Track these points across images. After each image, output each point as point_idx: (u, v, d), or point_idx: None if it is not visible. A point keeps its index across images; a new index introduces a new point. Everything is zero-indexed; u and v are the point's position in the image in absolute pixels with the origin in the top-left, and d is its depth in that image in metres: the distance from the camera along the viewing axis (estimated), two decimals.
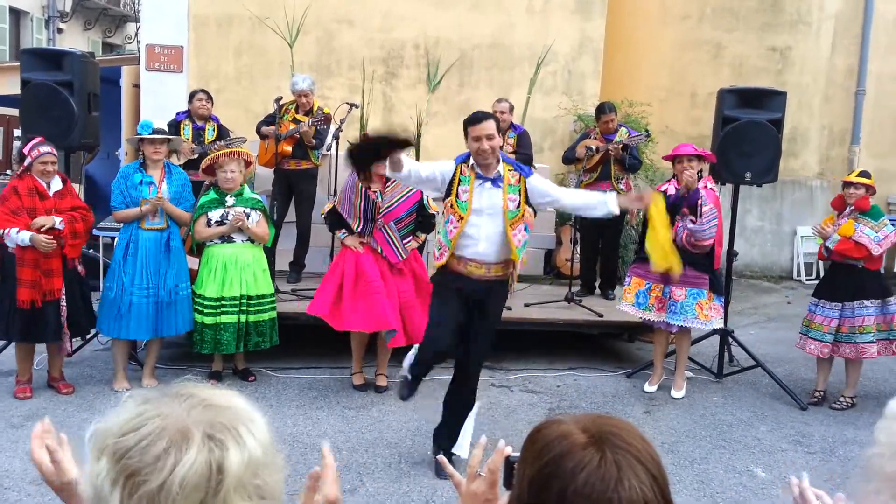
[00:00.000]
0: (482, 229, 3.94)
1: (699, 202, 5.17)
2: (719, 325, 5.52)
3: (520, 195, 3.97)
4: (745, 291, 9.25)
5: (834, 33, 10.34)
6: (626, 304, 5.50)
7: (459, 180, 3.96)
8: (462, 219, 3.93)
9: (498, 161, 3.94)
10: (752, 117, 5.71)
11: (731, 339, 5.95)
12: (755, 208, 10.16)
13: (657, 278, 5.31)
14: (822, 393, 5.44)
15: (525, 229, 4.00)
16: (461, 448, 4.01)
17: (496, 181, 3.95)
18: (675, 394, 5.45)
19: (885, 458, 1.23)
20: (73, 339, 5.57)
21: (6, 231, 4.68)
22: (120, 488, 1.02)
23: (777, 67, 10.01)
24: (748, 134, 5.68)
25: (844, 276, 5.24)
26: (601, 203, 4.05)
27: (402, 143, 3.59)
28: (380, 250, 5.11)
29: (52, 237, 4.75)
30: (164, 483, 1.00)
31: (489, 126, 3.86)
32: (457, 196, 3.94)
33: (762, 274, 10.20)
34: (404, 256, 5.14)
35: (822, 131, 10.64)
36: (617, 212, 4.06)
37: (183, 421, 1.05)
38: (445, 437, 4.13)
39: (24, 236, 4.69)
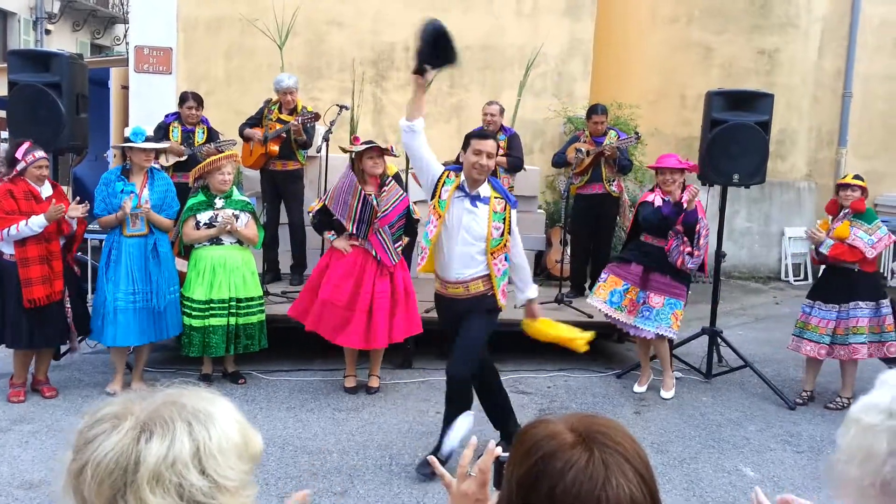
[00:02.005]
0: (453, 247, 3.97)
1: (698, 227, 5.18)
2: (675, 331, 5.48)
3: (504, 224, 4.00)
4: (734, 292, 9.30)
5: (822, 36, 10.43)
6: (598, 300, 5.52)
7: (444, 182, 4.00)
8: (440, 217, 3.96)
9: (485, 180, 4.00)
10: (740, 119, 5.74)
11: (719, 340, 5.98)
12: (743, 209, 10.22)
13: (636, 281, 5.37)
14: (809, 393, 5.48)
15: (505, 259, 4.05)
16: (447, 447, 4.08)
17: (475, 200, 3.97)
18: (665, 394, 5.48)
19: (844, 463, 1.23)
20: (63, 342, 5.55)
21: (10, 229, 4.64)
22: (67, 471, 1.03)
23: (766, 69, 10.07)
24: (736, 136, 5.71)
25: (840, 279, 5.24)
26: (521, 289, 4.21)
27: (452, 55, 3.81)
28: (374, 253, 5.12)
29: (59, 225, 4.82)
30: (85, 464, 1.00)
31: (492, 145, 3.97)
32: (439, 197, 3.99)
33: (750, 275, 10.27)
34: (397, 260, 5.16)
35: (810, 133, 10.72)
36: (518, 305, 4.30)
37: (131, 410, 1.04)
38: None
39: (38, 220, 4.68)
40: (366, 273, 5.12)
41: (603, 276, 5.59)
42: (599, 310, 5.57)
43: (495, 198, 4.02)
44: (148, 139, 5.16)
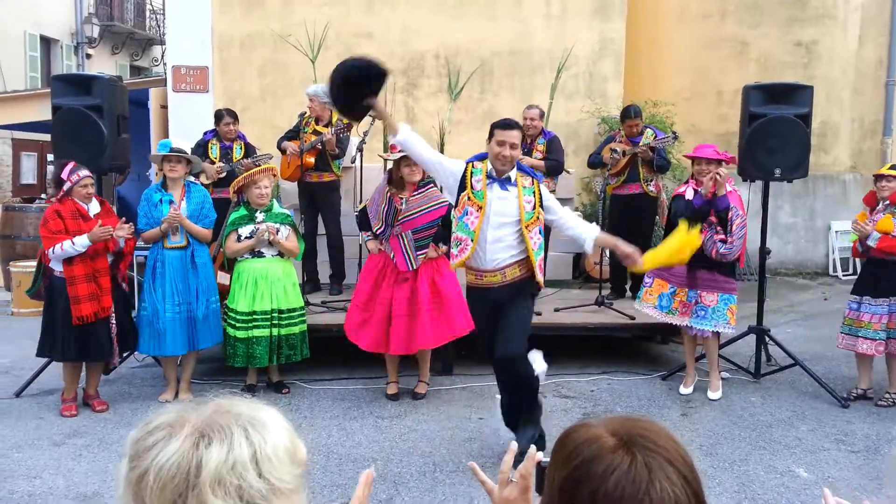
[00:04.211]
0: (488, 233, 3.97)
1: (729, 214, 5.09)
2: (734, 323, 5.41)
3: (535, 197, 4.00)
4: (780, 289, 9.10)
5: (861, 25, 10.18)
6: (648, 306, 5.43)
7: (472, 173, 4.01)
8: (481, 208, 3.95)
9: (511, 168, 4.02)
10: (779, 113, 5.62)
11: (767, 338, 5.85)
12: (787, 204, 10.00)
13: (682, 282, 5.27)
14: (863, 391, 5.32)
15: (539, 232, 4.01)
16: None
17: (504, 184, 3.98)
18: (712, 395, 5.37)
19: None
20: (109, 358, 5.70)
21: (56, 248, 4.77)
22: (125, 479, 1.05)
23: (804, 62, 9.87)
24: (775, 130, 5.60)
25: (887, 271, 5.10)
26: (580, 237, 4.11)
27: (379, 74, 3.84)
28: (392, 256, 5.14)
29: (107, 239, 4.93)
30: (146, 471, 1.02)
31: (516, 135, 3.97)
32: (472, 188, 3.98)
33: (797, 271, 10.03)
34: (414, 267, 5.11)
35: (853, 124, 10.45)
36: (589, 251, 4.22)
37: (187, 418, 1.07)
38: (530, 431, 4.17)
39: (82, 240, 4.79)
40: (385, 278, 5.17)
41: (647, 280, 5.49)
42: (652, 316, 5.45)
43: (521, 177, 4.04)
44: (174, 150, 5.22)
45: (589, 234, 4.09)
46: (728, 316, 5.22)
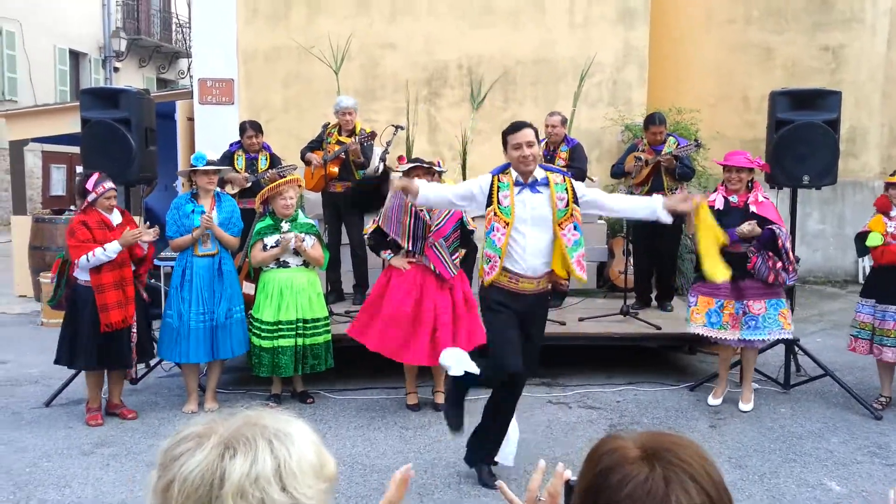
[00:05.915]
0: (528, 240, 3.94)
1: (780, 244, 4.98)
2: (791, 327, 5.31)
3: (567, 193, 3.96)
4: (810, 298, 8.96)
5: (890, 29, 10.03)
6: (698, 326, 5.23)
7: (498, 188, 3.99)
8: (508, 224, 3.93)
9: (536, 166, 4.00)
10: (807, 119, 5.55)
11: (797, 348, 5.75)
12: (815, 211, 9.86)
13: (727, 294, 5.10)
14: (888, 399, 5.26)
15: (575, 228, 3.96)
16: (506, 457, 4.13)
17: (534, 186, 3.95)
18: (743, 406, 5.27)
19: None
20: (138, 366, 5.75)
21: (87, 256, 4.85)
22: (153, 488, 1.07)
23: (831, 67, 9.74)
24: (803, 136, 5.52)
25: None
26: (649, 209, 4.05)
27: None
28: (433, 267, 5.13)
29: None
30: (172, 480, 1.03)
31: (529, 133, 3.93)
32: (498, 203, 3.96)
33: (826, 279, 9.88)
34: (455, 272, 5.16)
35: (882, 129, 10.29)
36: (667, 219, 4.04)
37: (214, 429, 1.07)
38: (491, 443, 4.16)
39: (113, 246, 4.88)
40: (426, 289, 5.14)
41: (691, 300, 5.32)
42: (704, 336, 5.28)
43: (551, 174, 4.02)
44: (210, 163, 5.34)
45: (656, 206, 4.03)
46: (781, 321, 5.08)
